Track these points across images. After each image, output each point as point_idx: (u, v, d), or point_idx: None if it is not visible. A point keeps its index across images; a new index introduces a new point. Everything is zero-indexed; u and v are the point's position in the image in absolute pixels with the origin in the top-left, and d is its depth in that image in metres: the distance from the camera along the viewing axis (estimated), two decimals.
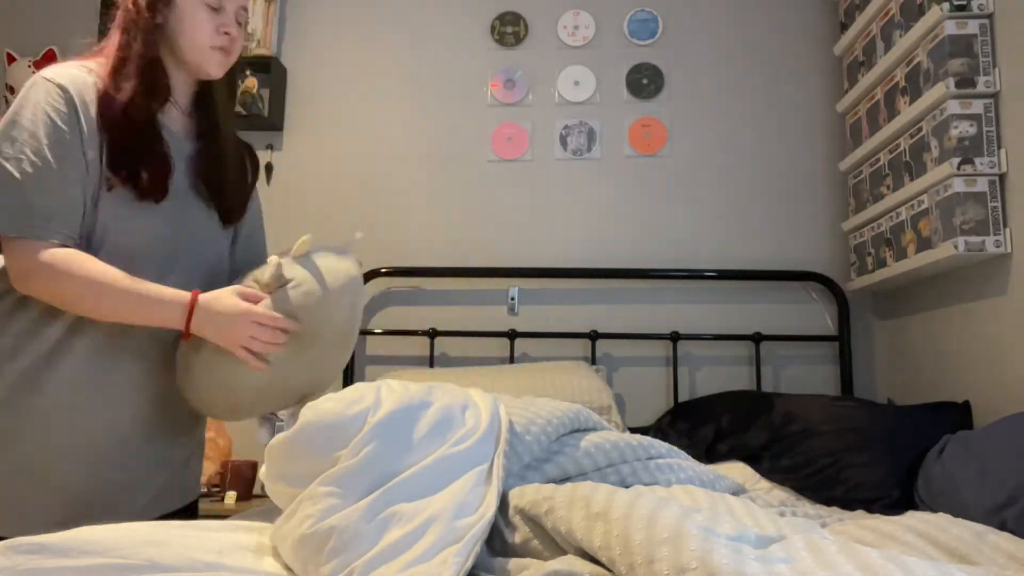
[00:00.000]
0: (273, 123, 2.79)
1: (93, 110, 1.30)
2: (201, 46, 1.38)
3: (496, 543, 1.02)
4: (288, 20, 2.91)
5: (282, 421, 2.41)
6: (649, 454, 1.38)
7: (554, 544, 0.95)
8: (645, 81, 2.77)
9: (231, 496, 2.30)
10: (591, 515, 0.87)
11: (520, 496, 1.03)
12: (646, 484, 1.28)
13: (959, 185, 1.91)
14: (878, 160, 2.36)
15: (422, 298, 2.73)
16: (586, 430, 1.39)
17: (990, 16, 1.95)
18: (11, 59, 2.87)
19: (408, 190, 2.78)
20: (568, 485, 1.01)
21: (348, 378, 2.60)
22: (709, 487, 1.39)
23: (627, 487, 1.18)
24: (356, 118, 2.84)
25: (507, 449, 1.15)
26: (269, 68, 2.77)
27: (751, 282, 2.64)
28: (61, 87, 1.29)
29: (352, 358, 2.61)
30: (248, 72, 2.78)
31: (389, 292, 2.73)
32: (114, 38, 1.37)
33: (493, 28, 2.84)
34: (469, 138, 2.80)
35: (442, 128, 2.81)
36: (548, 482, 1.21)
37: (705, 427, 2.25)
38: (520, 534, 1.00)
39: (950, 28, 1.96)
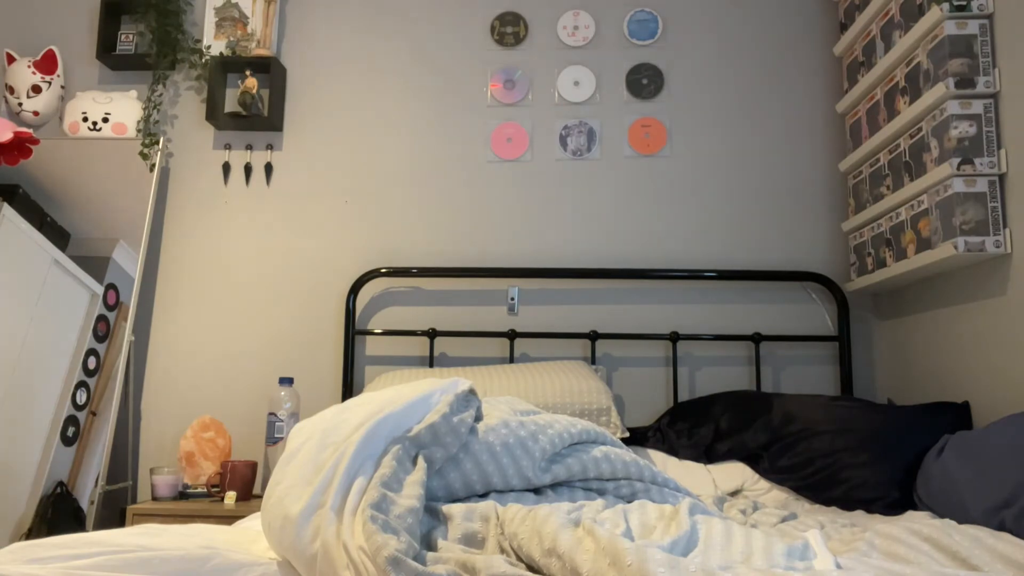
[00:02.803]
0: (273, 123, 2.79)
1: None
2: None
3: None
4: (288, 20, 2.91)
5: (282, 421, 2.41)
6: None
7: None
8: (645, 81, 2.77)
9: (231, 496, 2.31)
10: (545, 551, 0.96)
11: (510, 522, 1.06)
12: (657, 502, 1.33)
13: (959, 185, 1.91)
14: (878, 160, 2.36)
15: (422, 298, 2.73)
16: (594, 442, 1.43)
17: (990, 16, 1.95)
18: (11, 59, 2.87)
19: (408, 190, 2.79)
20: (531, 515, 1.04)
21: (348, 377, 2.60)
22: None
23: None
24: (356, 118, 2.84)
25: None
26: (269, 68, 2.78)
27: (751, 282, 2.64)
28: None
29: (352, 358, 2.62)
30: (248, 72, 2.78)
31: (389, 292, 2.74)
32: None
33: (493, 28, 2.84)
34: (469, 138, 2.80)
35: (442, 128, 2.81)
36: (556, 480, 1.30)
37: (704, 427, 2.25)
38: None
39: (950, 28, 1.96)
